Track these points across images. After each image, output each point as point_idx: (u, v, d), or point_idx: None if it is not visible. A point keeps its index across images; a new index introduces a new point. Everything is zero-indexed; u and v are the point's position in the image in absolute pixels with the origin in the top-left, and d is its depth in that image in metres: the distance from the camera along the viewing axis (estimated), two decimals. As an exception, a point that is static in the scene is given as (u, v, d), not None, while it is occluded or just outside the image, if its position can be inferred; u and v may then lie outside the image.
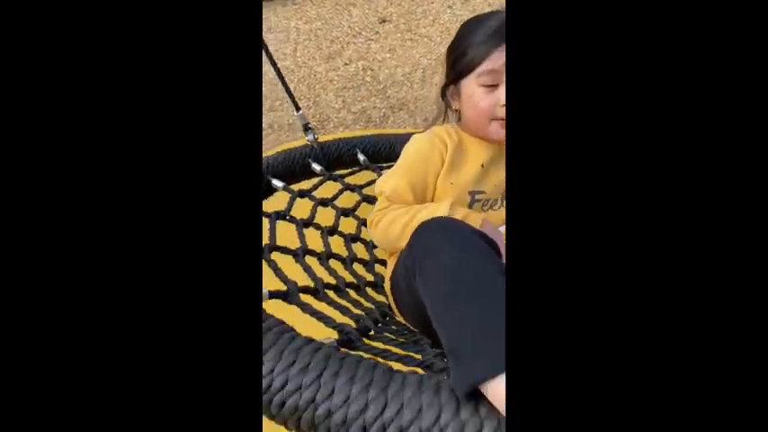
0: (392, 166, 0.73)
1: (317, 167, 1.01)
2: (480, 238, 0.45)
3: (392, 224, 0.63)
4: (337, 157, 1.06)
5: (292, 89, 2.35)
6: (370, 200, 0.99)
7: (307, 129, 1.06)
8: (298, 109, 1.11)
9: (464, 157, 0.69)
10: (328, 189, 1.01)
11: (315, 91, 2.60)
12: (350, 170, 1.06)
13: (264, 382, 0.35)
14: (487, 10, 0.69)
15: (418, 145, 0.70)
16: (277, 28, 3.20)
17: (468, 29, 0.67)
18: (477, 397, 0.32)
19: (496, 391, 0.31)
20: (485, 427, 0.31)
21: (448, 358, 0.38)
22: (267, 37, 3.02)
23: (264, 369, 0.36)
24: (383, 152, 1.09)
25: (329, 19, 3.36)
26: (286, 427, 0.36)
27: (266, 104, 2.38)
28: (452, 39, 0.70)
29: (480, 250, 0.43)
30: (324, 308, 0.58)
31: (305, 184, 0.99)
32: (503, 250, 0.51)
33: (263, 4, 3.43)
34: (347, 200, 1.01)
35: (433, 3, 3.66)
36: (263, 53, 0.93)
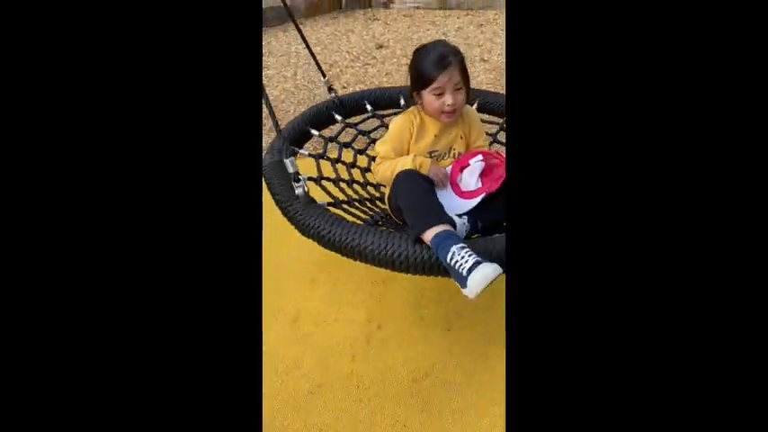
0: (388, 111, 1.51)
1: (338, 117, 1.51)
2: (419, 176, 1.07)
3: (384, 171, 1.17)
4: (351, 107, 1.55)
5: (292, 110, 2.44)
6: (375, 141, 1.46)
7: (330, 89, 1.55)
8: (324, 76, 1.59)
9: (424, 130, 1.18)
10: (347, 135, 1.55)
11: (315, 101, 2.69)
12: (361, 118, 1.58)
13: (327, 234, 0.96)
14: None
15: (397, 125, 1.19)
16: (278, 52, 3.31)
17: (420, 57, 1.12)
18: (418, 241, 0.92)
19: (426, 238, 0.89)
20: (423, 251, 0.91)
21: (408, 227, 0.96)
22: (269, 61, 3.12)
23: (327, 228, 0.96)
24: (383, 101, 1.58)
25: (328, 44, 3.48)
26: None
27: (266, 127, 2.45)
28: (411, 60, 1.15)
29: (420, 182, 1.04)
30: (354, 211, 1.22)
31: (331, 132, 1.51)
32: (445, 180, 1.13)
33: (266, 29, 3.55)
34: (360, 142, 1.58)
35: (428, 30, 3.80)
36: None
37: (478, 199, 1.08)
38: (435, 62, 1.06)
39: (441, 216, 0.92)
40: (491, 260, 0.81)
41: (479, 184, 1.10)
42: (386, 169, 1.14)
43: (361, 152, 1.53)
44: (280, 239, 1.63)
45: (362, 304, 1.43)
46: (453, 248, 0.83)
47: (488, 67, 2.92)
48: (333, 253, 1.01)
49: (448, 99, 1.08)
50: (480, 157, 1.12)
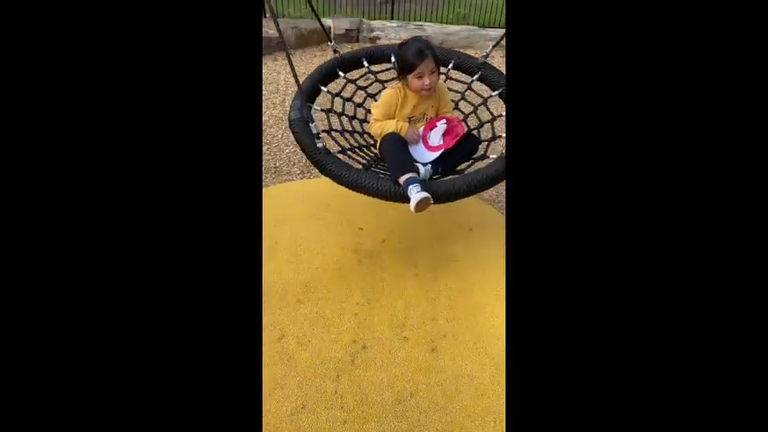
0: (382, 69, 1.88)
1: (340, 73, 1.79)
2: (399, 139, 1.51)
3: (377, 129, 1.57)
4: (351, 63, 1.83)
5: (279, 135, 2.52)
6: (371, 95, 1.94)
7: (335, 51, 1.83)
8: (330, 41, 1.90)
9: (406, 101, 1.57)
10: (348, 90, 1.84)
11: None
12: (359, 74, 1.86)
13: (337, 173, 1.38)
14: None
15: (387, 96, 1.58)
16: (267, 80, 3.39)
17: (404, 50, 1.50)
18: (396, 183, 1.35)
19: (400, 181, 1.34)
20: (397, 189, 1.33)
21: (389, 172, 1.42)
22: (258, 87, 3.19)
23: (340, 172, 1.37)
24: (377, 58, 1.86)
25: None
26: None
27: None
28: (397, 53, 1.56)
29: (398, 144, 1.50)
30: (354, 156, 1.63)
31: (336, 87, 1.81)
32: (418, 140, 1.55)
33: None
34: (358, 97, 1.91)
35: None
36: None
37: (439, 153, 1.52)
38: (416, 53, 1.45)
39: (409, 168, 1.39)
40: (430, 193, 1.30)
41: (441, 142, 1.52)
42: (378, 128, 1.58)
43: (359, 105, 1.91)
44: (265, 261, 1.63)
45: (347, 325, 1.43)
46: (411, 186, 1.32)
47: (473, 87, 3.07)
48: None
49: (426, 81, 1.48)
50: (444, 120, 1.54)
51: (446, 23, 5.70)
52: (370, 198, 1.38)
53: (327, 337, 1.38)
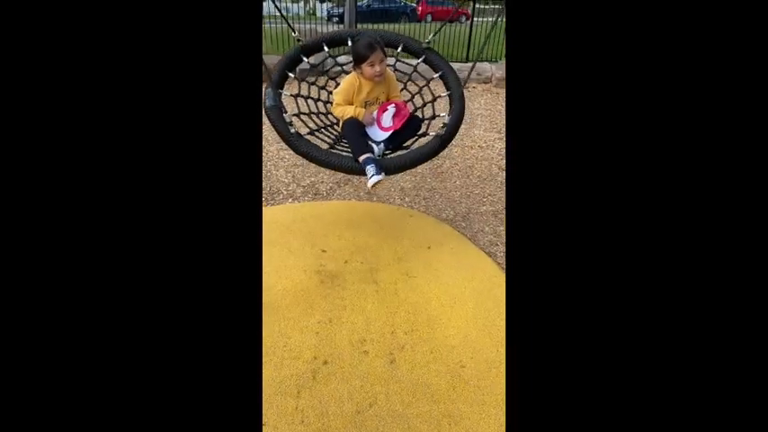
0: (341, 53, 2.17)
1: (304, 59, 2.00)
2: (357, 123, 1.84)
3: (339, 113, 1.90)
4: (312, 48, 2.00)
5: (265, 148, 2.67)
6: (333, 77, 2.31)
7: (298, 40, 1.99)
8: (294, 32, 2.03)
9: (362, 88, 1.87)
10: (312, 75, 2.17)
11: (266, 168, 2.81)
12: (321, 58, 2.10)
13: (312, 155, 1.69)
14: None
15: (346, 83, 1.87)
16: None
17: (357, 44, 1.80)
18: (356, 161, 1.69)
19: (359, 159, 1.67)
20: (357, 165, 1.69)
21: (351, 152, 1.76)
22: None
23: (306, 149, 1.68)
24: (335, 42, 2.00)
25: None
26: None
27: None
28: (351, 47, 1.87)
29: (357, 127, 1.83)
30: (320, 137, 1.99)
31: (301, 74, 2.09)
32: (373, 122, 1.87)
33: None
34: (321, 81, 2.28)
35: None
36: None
37: (389, 133, 1.84)
38: (367, 46, 1.76)
39: (367, 148, 1.71)
40: (383, 170, 1.65)
41: (391, 123, 1.84)
42: (339, 112, 1.89)
43: (322, 88, 2.23)
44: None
45: (308, 342, 1.47)
46: (368, 166, 1.63)
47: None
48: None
49: (377, 68, 1.79)
50: (393, 104, 1.86)
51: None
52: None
53: (289, 356, 1.41)
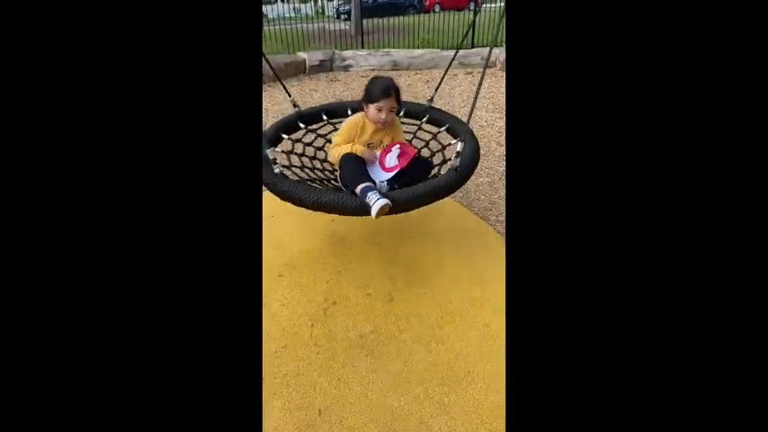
0: (340, 120, 2.06)
1: (301, 125, 2.07)
2: (356, 156, 1.69)
3: (336, 153, 1.75)
4: (312, 118, 2.11)
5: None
6: (329, 140, 2.10)
7: (295, 105, 2.10)
8: (290, 95, 2.15)
9: (365, 130, 1.79)
10: (308, 137, 2.13)
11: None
12: (318, 125, 2.14)
13: (296, 195, 1.43)
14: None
15: (348, 124, 1.80)
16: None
17: (373, 83, 1.79)
18: (353, 193, 1.49)
19: (357, 191, 1.46)
20: (356, 200, 1.41)
21: (349, 189, 1.56)
22: (242, 115, 3.57)
23: (290, 188, 1.45)
24: (336, 113, 2.16)
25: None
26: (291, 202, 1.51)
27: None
28: (368, 83, 1.82)
29: (355, 160, 1.66)
30: (314, 185, 1.68)
31: (296, 135, 2.09)
32: (374, 160, 1.74)
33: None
34: (318, 142, 2.14)
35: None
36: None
37: (395, 172, 1.70)
38: (382, 90, 1.72)
39: (365, 178, 1.55)
40: (389, 199, 1.39)
41: (396, 162, 1.72)
42: (337, 152, 1.77)
43: (319, 149, 2.13)
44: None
45: (320, 288, 1.74)
46: (369, 193, 1.41)
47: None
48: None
49: (383, 115, 1.73)
50: (398, 146, 1.77)
51: (411, 48, 6.22)
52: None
53: (304, 299, 1.69)
